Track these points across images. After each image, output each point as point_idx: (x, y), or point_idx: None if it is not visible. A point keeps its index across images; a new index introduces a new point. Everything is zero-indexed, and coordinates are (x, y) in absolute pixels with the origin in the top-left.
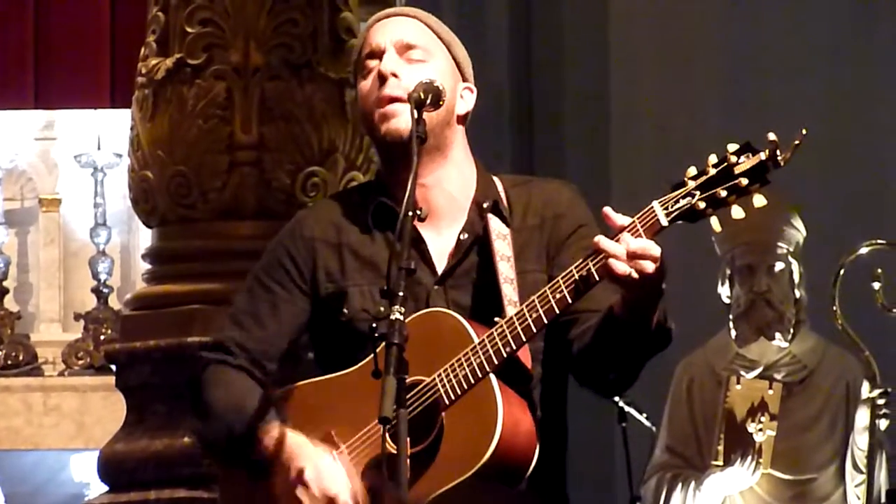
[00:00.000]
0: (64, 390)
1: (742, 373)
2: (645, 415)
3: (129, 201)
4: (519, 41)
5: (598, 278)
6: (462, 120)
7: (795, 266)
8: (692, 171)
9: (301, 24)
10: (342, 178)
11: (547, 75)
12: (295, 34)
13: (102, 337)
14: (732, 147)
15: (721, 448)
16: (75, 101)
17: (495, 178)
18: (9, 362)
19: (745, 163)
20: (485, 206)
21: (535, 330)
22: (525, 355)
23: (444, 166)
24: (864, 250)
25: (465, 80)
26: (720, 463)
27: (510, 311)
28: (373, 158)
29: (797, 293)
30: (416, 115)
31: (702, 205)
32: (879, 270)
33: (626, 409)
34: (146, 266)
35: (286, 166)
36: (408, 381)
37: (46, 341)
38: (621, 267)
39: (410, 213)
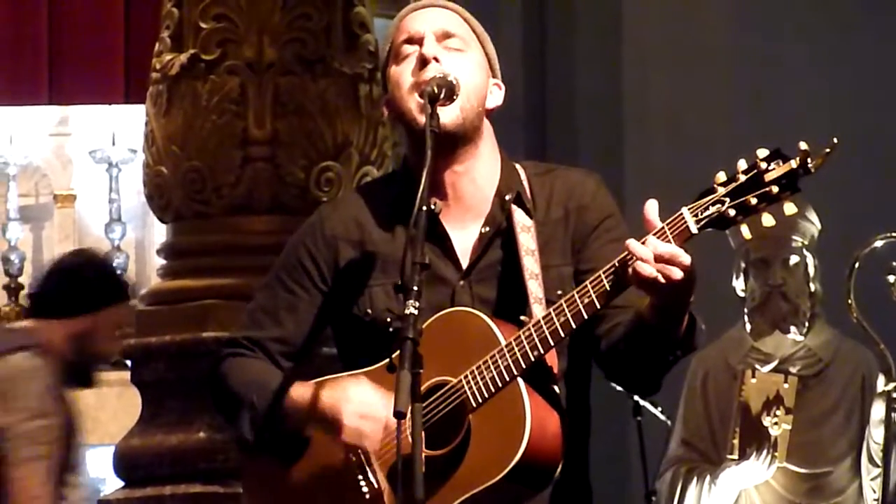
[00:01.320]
0: None
1: (757, 366)
2: (660, 409)
3: (143, 197)
4: (533, 40)
5: (626, 283)
6: (489, 114)
7: (810, 259)
8: (721, 177)
9: (314, 20)
10: (356, 172)
11: (560, 74)
12: (308, 29)
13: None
14: (762, 153)
15: (736, 442)
16: (89, 97)
17: (518, 167)
18: None
19: (776, 170)
20: (507, 198)
21: (562, 335)
22: (551, 355)
23: (476, 156)
24: (878, 243)
25: (494, 75)
26: (735, 457)
27: (536, 308)
28: (387, 153)
29: (812, 286)
30: (429, 110)
31: (732, 212)
32: (894, 263)
33: (642, 403)
34: (161, 261)
35: (300, 161)
36: (434, 381)
37: None
38: (648, 270)
39: (425, 208)
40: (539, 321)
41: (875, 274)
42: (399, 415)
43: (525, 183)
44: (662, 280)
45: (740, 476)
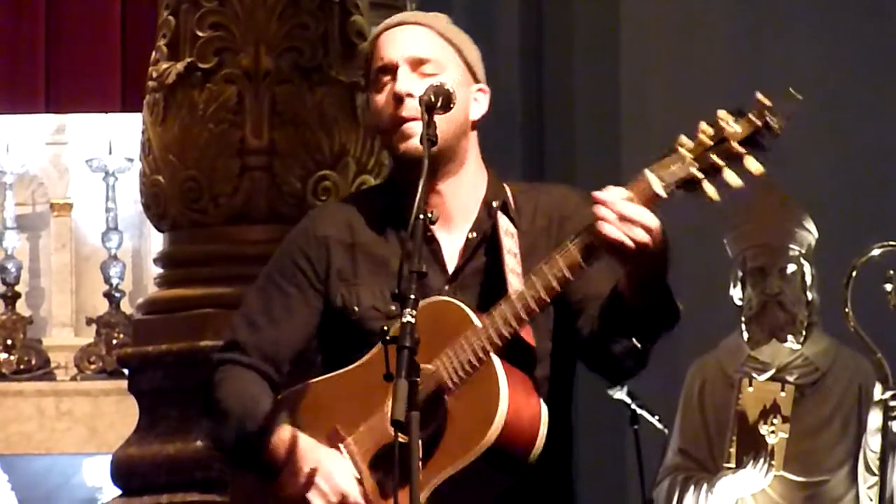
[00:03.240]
0: (76, 395)
1: (754, 375)
2: (657, 417)
3: (140, 206)
4: (530, 42)
5: (595, 250)
6: (475, 125)
7: (807, 268)
8: (683, 138)
9: (311, 28)
10: (353, 181)
11: (557, 80)
12: (305, 38)
13: (115, 341)
14: (722, 113)
15: (733, 450)
16: (86, 106)
17: (505, 185)
18: (21, 367)
19: (739, 126)
20: (494, 204)
21: (536, 308)
22: (529, 336)
23: (459, 174)
24: (876, 252)
25: (477, 81)
26: (732, 465)
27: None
28: (384, 162)
29: (809, 295)
30: (426, 118)
31: (697, 173)
32: (892, 272)
33: (639, 411)
34: (158, 270)
35: (297, 170)
36: None
37: (58, 346)
38: (612, 230)
39: (422, 217)
40: (510, 297)
41: (872, 283)
42: (397, 424)
43: (510, 198)
44: (630, 243)
45: (737, 485)
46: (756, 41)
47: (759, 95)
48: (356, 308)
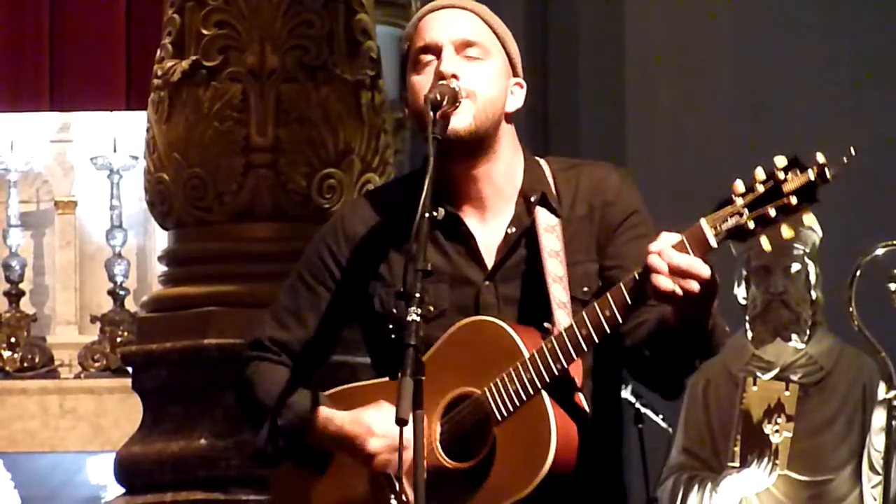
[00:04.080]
0: (80, 393)
1: (758, 374)
2: (661, 416)
3: (145, 203)
4: (535, 38)
5: (646, 295)
6: (509, 118)
7: (812, 267)
8: (739, 187)
9: (317, 26)
10: (358, 179)
11: (562, 79)
12: (310, 36)
13: (119, 339)
14: (780, 162)
15: (737, 449)
16: (91, 104)
17: (542, 163)
18: (25, 365)
19: (794, 180)
20: (532, 199)
21: (585, 348)
22: (574, 366)
23: (493, 160)
24: (880, 251)
25: (516, 74)
26: (736, 464)
27: (559, 314)
28: (389, 160)
29: (813, 294)
30: (431, 117)
31: (751, 224)
32: None
33: (643, 410)
34: (162, 268)
35: (302, 168)
36: (457, 392)
37: (62, 343)
38: (665, 283)
39: (427, 215)
40: (562, 333)
41: (876, 282)
42: (401, 422)
43: (550, 179)
44: (680, 293)
45: (741, 484)
46: (760, 31)
47: (820, 158)
48: (395, 310)
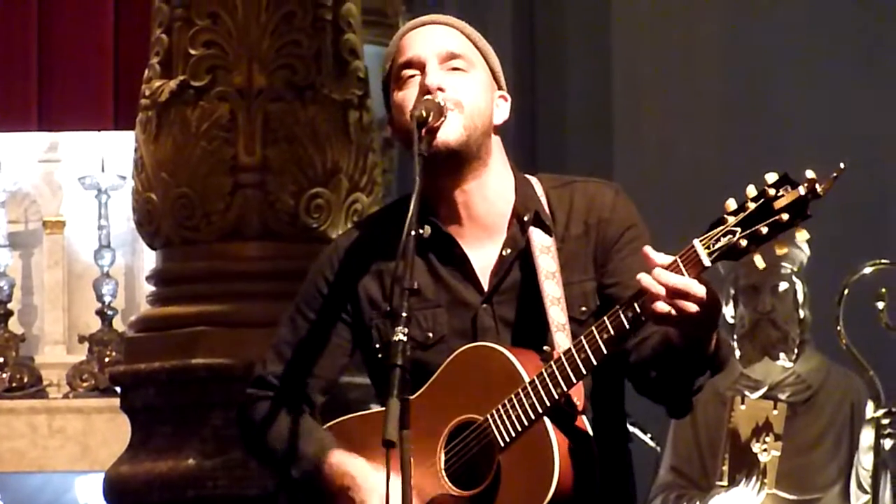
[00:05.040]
0: (69, 412)
1: (746, 393)
2: (650, 435)
3: (133, 223)
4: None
5: (643, 318)
6: (497, 130)
7: (800, 286)
8: (731, 205)
9: (304, 46)
10: (346, 199)
11: (550, 88)
12: (298, 56)
13: (107, 359)
14: (770, 178)
15: (726, 468)
16: (79, 124)
17: (534, 180)
18: (13, 384)
19: (785, 197)
20: (526, 219)
21: (584, 372)
22: (574, 389)
23: (485, 173)
24: (868, 270)
25: (500, 87)
26: (725, 483)
27: (558, 336)
28: (377, 179)
29: (801, 313)
30: (417, 134)
31: (743, 242)
32: (884, 290)
33: (631, 429)
34: (150, 288)
35: (290, 188)
36: (460, 419)
37: (51, 363)
38: (661, 306)
39: (413, 233)
40: (560, 358)
41: (864, 300)
42: (388, 444)
43: (542, 198)
44: (676, 314)
45: (730, 503)
46: (748, 56)
47: (810, 174)
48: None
